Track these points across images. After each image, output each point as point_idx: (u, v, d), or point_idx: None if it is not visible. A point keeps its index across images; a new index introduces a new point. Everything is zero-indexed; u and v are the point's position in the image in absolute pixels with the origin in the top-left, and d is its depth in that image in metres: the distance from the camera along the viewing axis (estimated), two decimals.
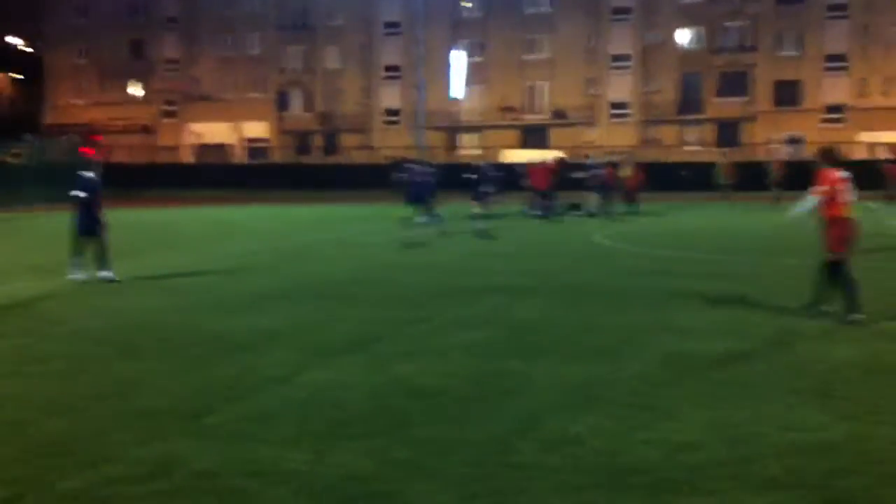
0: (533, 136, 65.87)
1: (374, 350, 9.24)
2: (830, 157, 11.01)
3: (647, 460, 5.80)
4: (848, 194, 10.65)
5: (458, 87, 63.91)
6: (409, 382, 7.86)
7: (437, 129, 66.98)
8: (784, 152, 56.81)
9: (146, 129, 74.87)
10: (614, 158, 43.47)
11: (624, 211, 31.81)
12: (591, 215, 30.47)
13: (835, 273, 10.72)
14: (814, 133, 60.98)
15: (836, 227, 10.62)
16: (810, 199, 10.85)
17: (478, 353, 9.03)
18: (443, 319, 11.02)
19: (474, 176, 25.63)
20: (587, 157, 38.13)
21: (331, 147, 72.16)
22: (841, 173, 10.68)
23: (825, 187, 10.63)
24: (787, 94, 62.91)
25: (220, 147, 73.80)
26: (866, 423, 6.55)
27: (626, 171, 34.17)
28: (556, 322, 10.84)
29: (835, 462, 5.74)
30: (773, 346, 9.27)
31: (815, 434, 6.30)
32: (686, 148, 62.47)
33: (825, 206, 10.67)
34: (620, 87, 66.65)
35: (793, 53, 63.27)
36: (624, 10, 66.41)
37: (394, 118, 72.12)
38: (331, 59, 73.82)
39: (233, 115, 74.53)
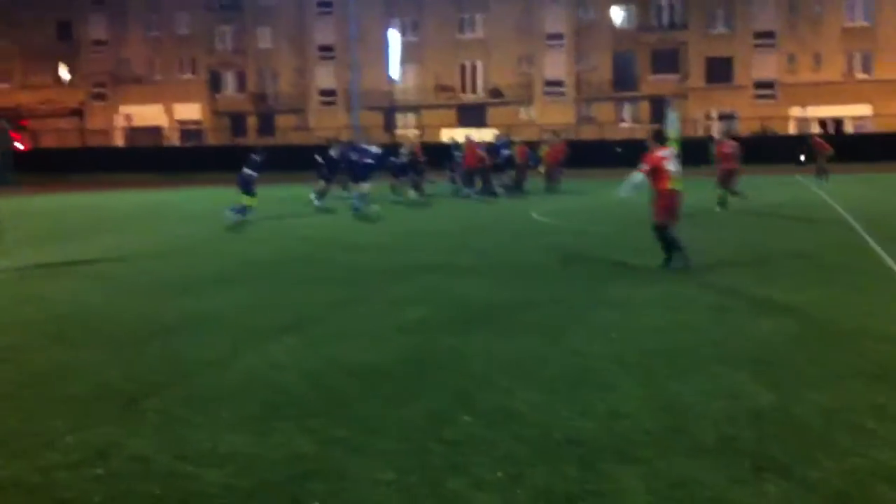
0: (470, 116, 65.89)
1: (310, 331, 9.21)
2: (657, 137, 13.02)
3: (582, 432, 5.88)
4: (671, 169, 12.51)
5: (394, 66, 63.63)
6: (345, 362, 7.86)
7: (374, 109, 66.66)
8: (719, 129, 57.70)
9: (76, 113, 73.32)
10: (545, 137, 43.59)
11: (544, 188, 32.08)
12: (521, 192, 30.54)
13: (660, 234, 12.64)
14: (746, 109, 62.06)
15: (662, 197, 12.48)
16: (637, 176, 12.69)
17: (414, 331, 9.05)
18: (378, 299, 11.02)
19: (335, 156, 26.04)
20: (500, 136, 37.97)
21: (266, 128, 71.41)
22: (664, 152, 12.60)
23: (649, 165, 12.49)
24: (718, 71, 63.75)
25: (153, 130, 72.59)
26: (794, 390, 6.71)
27: (545, 150, 34.31)
28: (492, 298, 10.89)
29: (764, 429, 5.88)
30: (705, 318, 9.44)
31: (745, 402, 6.45)
32: (622, 125, 63.05)
33: (654, 180, 12.54)
34: (555, 65, 66.92)
35: (723, 31, 64.12)
36: None
37: (329, 98, 71.61)
38: (263, 38, 72.89)
39: (164, 96, 73.36)
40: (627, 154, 49.93)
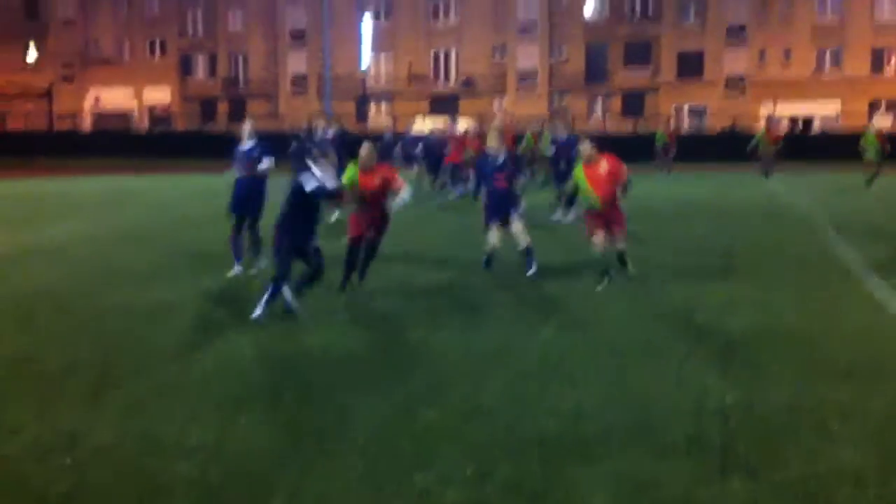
0: (443, 105, 65.65)
1: (279, 321, 9.15)
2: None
3: (549, 428, 5.89)
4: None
5: (366, 54, 63.23)
6: (314, 352, 7.83)
7: (346, 97, 66.29)
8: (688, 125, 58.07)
9: (44, 95, 72.27)
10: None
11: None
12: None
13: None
14: (715, 104, 62.32)
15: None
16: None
17: (384, 322, 9.04)
18: (350, 289, 10.96)
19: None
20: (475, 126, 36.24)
21: (237, 114, 70.70)
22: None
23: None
24: (689, 66, 63.95)
25: (122, 114, 71.66)
26: (760, 389, 6.77)
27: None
28: (464, 290, 10.89)
29: (730, 428, 5.92)
30: (673, 316, 9.48)
31: (712, 400, 6.48)
32: (593, 118, 63.09)
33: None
34: (528, 55, 66.86)
35: (695, 24, 64.31)
36: None
37: (301, 86, 71.07)
38: (234, 22, 72.23)
39: (134, 79, 72.41)
40: (599, 148, 50.27)
